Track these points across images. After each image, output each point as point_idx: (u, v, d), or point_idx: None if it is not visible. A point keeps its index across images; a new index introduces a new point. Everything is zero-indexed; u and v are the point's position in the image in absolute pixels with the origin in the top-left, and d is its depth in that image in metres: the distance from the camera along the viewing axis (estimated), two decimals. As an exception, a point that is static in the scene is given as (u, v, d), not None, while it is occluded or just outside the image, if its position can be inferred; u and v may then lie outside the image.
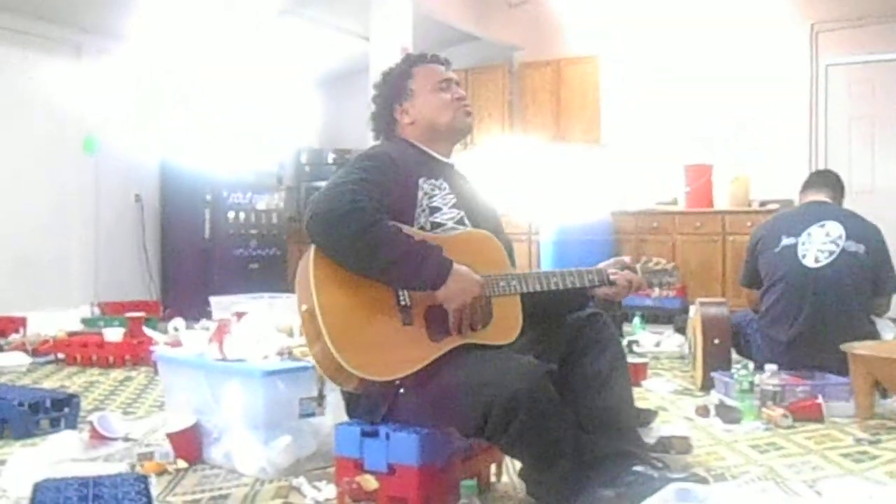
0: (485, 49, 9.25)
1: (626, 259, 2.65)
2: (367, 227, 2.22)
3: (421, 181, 2.49)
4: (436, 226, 2.47)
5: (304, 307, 2.24)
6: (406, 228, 2.34)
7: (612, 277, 2.55)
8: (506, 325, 2.44)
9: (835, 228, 4.20)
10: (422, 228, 2.43)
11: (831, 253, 4.14)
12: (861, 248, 4.15)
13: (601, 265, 2.59)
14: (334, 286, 2.24)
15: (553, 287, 2.46)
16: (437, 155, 2.64)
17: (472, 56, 9.28)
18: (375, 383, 2.24)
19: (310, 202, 2.31)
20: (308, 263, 2.27)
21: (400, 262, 2.23)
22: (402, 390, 2.32)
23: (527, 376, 2.19)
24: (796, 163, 7.68)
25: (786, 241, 4.26)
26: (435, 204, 2.49)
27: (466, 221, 2.54)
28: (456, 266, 2.29)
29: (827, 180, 4.57)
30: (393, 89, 2.66)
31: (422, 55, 2.73)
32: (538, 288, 2.44)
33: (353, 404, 2.48)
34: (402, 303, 2.29)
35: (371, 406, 2.40)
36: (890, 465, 2.96)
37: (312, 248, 2.30)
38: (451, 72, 2.70)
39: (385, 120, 2.68)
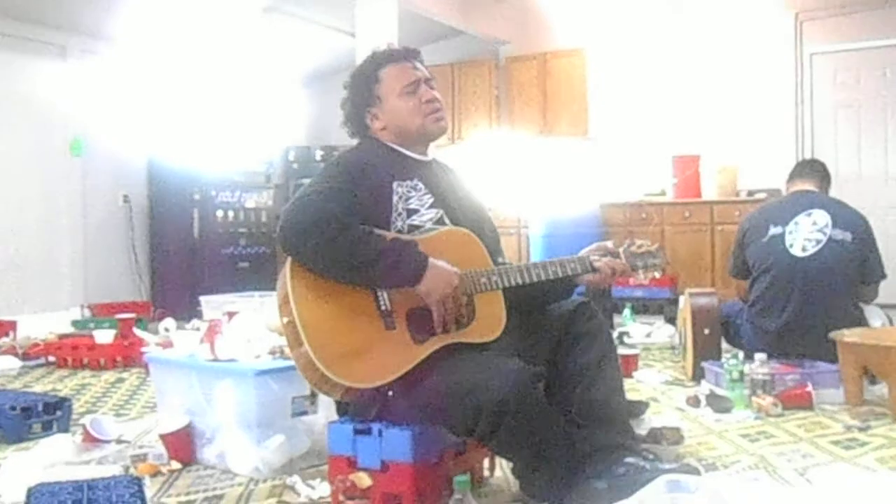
0: (471, 43, 9.25)
1: (609, 244, 2.63)
2: (339, 233, 2.21)
3: (395, 185, 2.46)
4: (413, 228, 2.45)
5: (286, 320, 2.24)
6: (379, 231, 2.32)
7: (595, 264, 2.53)
8: (490, 322, 2.42)
9: (821, 217, 4.22)
10: (399, 232, 2.41)
11: (818, 242, 4.16)
12: (848, 236, 4.17)
13: (583, 252, 2.57)
14: (313, 297, 2.24)
15: (535, 279, 2.44)
16: (413, 154, 2.61)
17: (458, 50, 9.28)
18: (362, 391, 2.25)
19: (280, 214, 2.30)
20: (286, 277, 2.26)
21: (375, 262, 2.23)
22: (390, 393, 2.32)
23: (514, 381, 2.18)
24: (783, 152, 7.71)
25: (773, 230, 4.28)
26: (412, 206, 2.47)
27: (446, 220, 2.52)
28: (432, 260, 2.28)
29: (813, 169, 4.59)
30: (360, 95, 2.61)
31: (387, 53, 2.65)
32: (520, 281, 2.42)
33: (343, 407, 2.49)
34: (383, 307, 2.29)
35: (361, 409, 2.40)
36: (880, 451, 2.98)
37: (289, 260, 2.29)
38: (419, 69, 2.62)
39: (357, 124, 2.64)
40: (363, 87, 2.61)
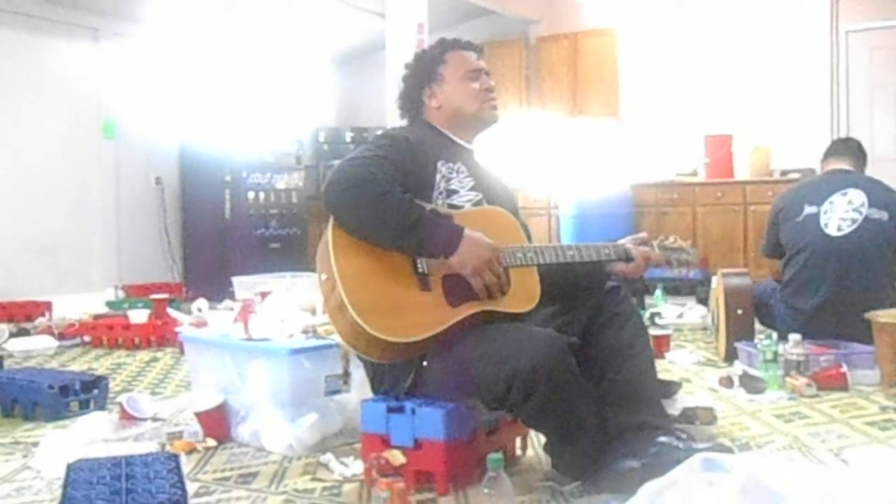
0: (501, 23, 9.20)
1: (644, 235, 2.66)
2: (380, 196, 2.26)
3: (439, 164, 2.52)
4: (453, 208, 2.49)
5: (325, 276, 2.28)
6: (419, 201, 2.37)
7: (630, 252, 2.56)
8: (524, 294, 2.45)
9: (857, 196, 4.17)
10: None
11: (854, 221, 4.11)
12: (884, 216, 4.12)
13: (619, 242, 2.60)
14: (353, 255, 2.28)
15: (570, 259, 2.47)
16: (459, 140, 2.67)
17: (488, 30, 9.23)
18: (399, 348, 2.26)
19: (327, 174, 2.35)
20: (327, 235, 2.31)
21: (412, 228, 2.27)
22: (425, 363, 2.35)
23: (547, 348, 2.21)
24: (817, 131, 7.62)
25: (808, 210, 4.24)
26: (452, 187, 2.52)
27: (485, 203, 2.57)
28: (467, 232, 2.32)
29: (849, 148, 4.53)
30: (424, 72, 2.68)
31: (456, 41, 2.75)
32: (554, 260, 2.45)
33: (378, 380, 2.51)
34: (420, 270, 2.32)
35: (395, 380, 2.43)
36: (916, 433, 2.95)
37: (331, 220, 2.33)
38: (482, 62, 2.72)
39: (412, 101, 2.71)
40: (428, 65, 2.69)
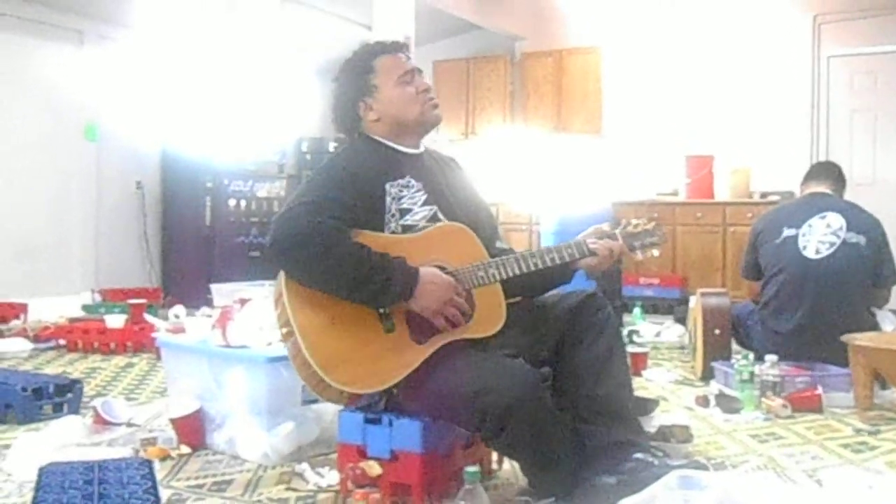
0: (486, 39, 9.23)
1: (605, 226, 2.58)
2: (327, 250, 2.18)
3: (388, 186, 2.42)
4: (407, 228, 2.41)
5: (285, 330, 2.24)
6: (371, 235, 2.30)
7: (591, 248, 2.48)
8: (490, 316, 2.40)
9: (836, 220, 4.21)
10: (393, 233, 2.38)
11: (832, 244, 4.15)
12: (862, 240, 4.16)
13: (579, 236, 2.53)
14: (310, 306, 2.22)
15: (533, 268, 2.40)
16: (405, 148, 2.56)
17: (474, 45, 9.27)
18: (371, 395, 2.24)
19: (270, 225, 2.26)
20: (280, 287, 2.25)
21: (365, 282, 2.19)
22: (395, 391, 2.32)
23: (520, 384, 2.17)
24: (797, 154, 7.69)
25: (787, 232, 4.27)
26: (404, 206, 2.43)
27: (440, 216, 2.48)
28: (422, 272, 2.26)
29: (828, 172, 4.57)
30: (354, 85, 2.55)
31: (380, 44, 2.62)
32: (517, 271, 2.39)
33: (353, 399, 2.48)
34: (381, 311, 2.26)
35: (369, 401, 2.42)
36: (889, 455, 2.98)
37: (282, 272, 2.27)
38: (411, 61, 2.59)
39: (349, 116, 2.58)
40: (357, 77, 2.55)
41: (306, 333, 2.18)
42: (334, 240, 2.20)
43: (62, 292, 7.06)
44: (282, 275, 2.26)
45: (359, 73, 2.55)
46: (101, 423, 3.17)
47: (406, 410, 2.35)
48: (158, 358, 4.41)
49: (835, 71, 7.95)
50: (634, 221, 2.61)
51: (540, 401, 2.22)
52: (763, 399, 3.63)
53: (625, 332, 5.48)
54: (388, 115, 2.53)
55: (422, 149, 2.62)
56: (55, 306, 6.33)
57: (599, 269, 2.51)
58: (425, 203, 2.46)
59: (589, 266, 2.50)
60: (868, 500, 2.04)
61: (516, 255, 2.42)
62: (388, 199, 2.40)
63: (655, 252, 2.60)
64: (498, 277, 2.39)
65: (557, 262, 2.45)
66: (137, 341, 5.29)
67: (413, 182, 2.47)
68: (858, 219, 4.24)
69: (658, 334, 5.77)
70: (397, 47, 2.61)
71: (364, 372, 2.20)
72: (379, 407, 2.39)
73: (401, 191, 2.43)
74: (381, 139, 2.55)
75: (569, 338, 2.45)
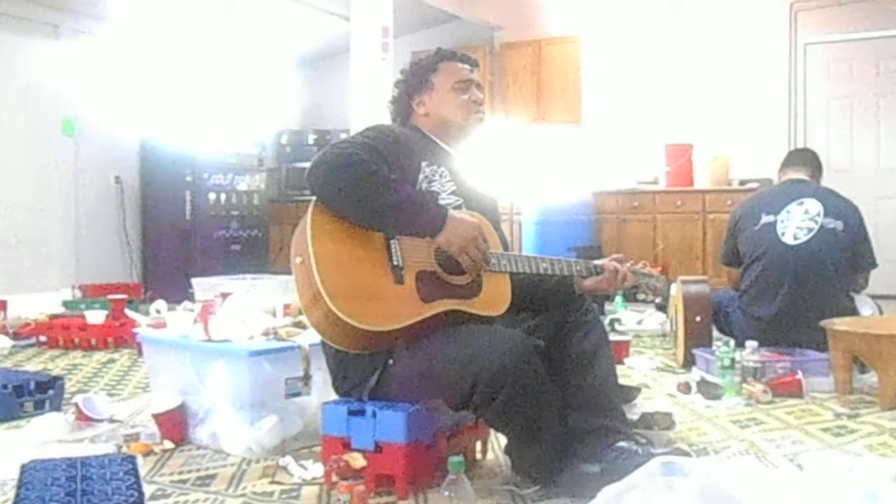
0: (465, 29, 9.22)
1: (620, 256, 2.71)
2: (367, 175, 2.27)
3: (423, 164, 2.54)
4: None
5: (299, 259, 2.27)
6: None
7: (598, 265, 2.60)
8: (496, 298, 2.47)
9: (813, 206, 4.24)
10: None
11: (810, 230, 4.18)
12: (839, 225, 4.19)
13: (594, 262, 2.64)
14: (330, 239, 2.28)
15: (542, 271, 2.49)
16: (444, 145, 2.69)
17: (453, 36, 9.24)
18: (370, 337, 2.25)
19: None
20: (306, 218, 2.31)
21: (398, 208, 2.29)
22: (391, 361, 2.35)
23: (514, 349, 2.23)
24: (775, 142, 7.73)
25: (765, 218, 4.30)
26: (434, 188, 2.54)
27: (464, 209, 2.57)
28: (452, 211, 2.36)
29: (805, 158, 4.60)
30: (415, 79, 2.73)
31: (452, 52, 2.79)
32: (527, 270, 2.48)
33: (341, 377, 2.50)
34: (395, 263, 2.32)
35: (360, 378, 2.42)
36: (868, 439, 3.01)
37: (312, 202, 2.34)
38: (474, 74, 2.76)
39: (402, 106, 2.76)
40: (420, 73, 2.73)
41: (320, 261, 2.22)
42: (372, 168, 2.29)
43: (42, 288, 7.03)
44: (311, 206, 2.33)
45: (423, 69, 2.74)
46: (84, 419, 3.15)
47: (397, 385, 2.36)
48: (140, 353, 4.38)
49: (811, 58, 7.99)
50: (641, 263, 2.78)
51: (533, 367, 2.27)
52: (744, 385, 3.66)
53: (607, 320, 5.51)
54: (437, 114, 2.69)
55: (459, 153, 2.75)
56: (35, 303, 6.29)
57: (603, 288, 2.62)
58: (452, 193, 2.59)
59: (593, 285, 2.60)
60: (848, 482, 2.06)
61: (528, 256, 2.52)
62: (421, 176, 2.53)
63: (657, 299, 2.72)
64: (509, 269, 2.48)
65: (566, 272, 2.55)
66: (119, 337, 5.26)
67: (446, 172, 2.61)
68: (836, 204, 4.27)
69: (640, 322, 5.79)
70: (466, 59, 2.79)
71: (367, 309, 2.23)
72: (367, 386, 2.39)
73: (433, 174, 2.57)
74: (425, 131, 2.69)
75: (560, 333, 2.52)
